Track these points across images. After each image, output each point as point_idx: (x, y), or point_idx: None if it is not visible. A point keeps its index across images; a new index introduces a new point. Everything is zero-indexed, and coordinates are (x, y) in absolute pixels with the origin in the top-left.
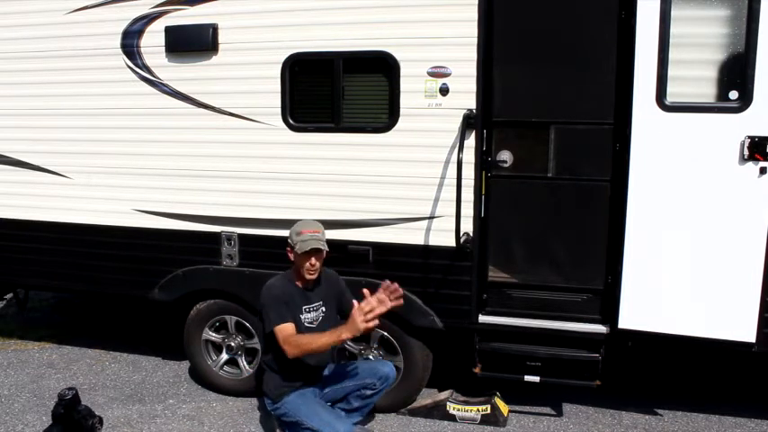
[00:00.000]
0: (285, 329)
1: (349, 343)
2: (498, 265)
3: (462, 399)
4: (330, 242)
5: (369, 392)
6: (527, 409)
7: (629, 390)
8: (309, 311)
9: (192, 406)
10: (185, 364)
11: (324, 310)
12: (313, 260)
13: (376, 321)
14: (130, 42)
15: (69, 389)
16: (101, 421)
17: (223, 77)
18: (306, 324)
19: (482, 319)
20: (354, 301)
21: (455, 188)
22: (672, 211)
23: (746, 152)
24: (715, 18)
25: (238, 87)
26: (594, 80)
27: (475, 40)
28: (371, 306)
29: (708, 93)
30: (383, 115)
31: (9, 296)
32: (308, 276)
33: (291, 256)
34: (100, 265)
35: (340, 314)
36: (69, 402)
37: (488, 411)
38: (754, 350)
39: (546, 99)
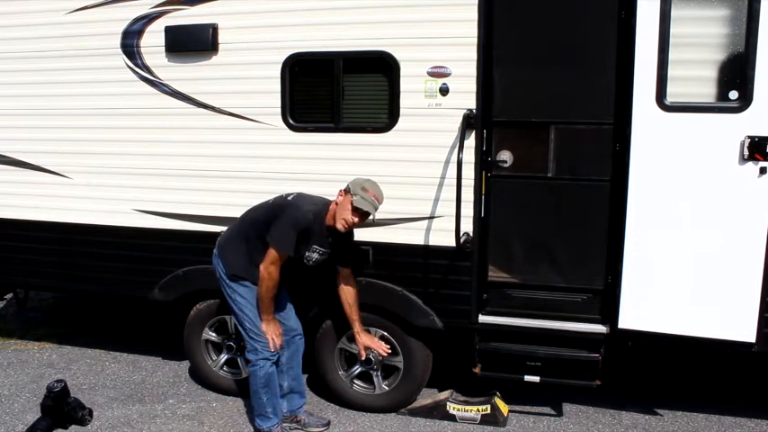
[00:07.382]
0: (282, 258)
1: (348, 344)
2: (498, 265)
3: (462, 399)
4: None
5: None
6: (527, 409)
7: (629, 390)
8: (316, 252)
9: (192, 406)
10: (185, 364)
11: (326, 257)
12: (357, 219)
13: (277, 342)
14: (130, 42)
15: (58, 381)
16: (90, 413)
17: (223, 77)
18: (306, 262)
19: (482, 319)
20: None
21: (455, 188)
22: (672, 211)
23: (746, 152)
24: (715, 18)
25: (238, 87)
26: (594, 80)
27: (475, 40)
28: (274, 335)
29: (708, 93)
30: (383, 115)
31: (9, 296)
32: (339, 226)
33: (341, 199)
34: (100, 265)
35: (335, 256)
36: (58, 394)
37: (488, 411)
38: (754, 350)
39: (546, 99)
